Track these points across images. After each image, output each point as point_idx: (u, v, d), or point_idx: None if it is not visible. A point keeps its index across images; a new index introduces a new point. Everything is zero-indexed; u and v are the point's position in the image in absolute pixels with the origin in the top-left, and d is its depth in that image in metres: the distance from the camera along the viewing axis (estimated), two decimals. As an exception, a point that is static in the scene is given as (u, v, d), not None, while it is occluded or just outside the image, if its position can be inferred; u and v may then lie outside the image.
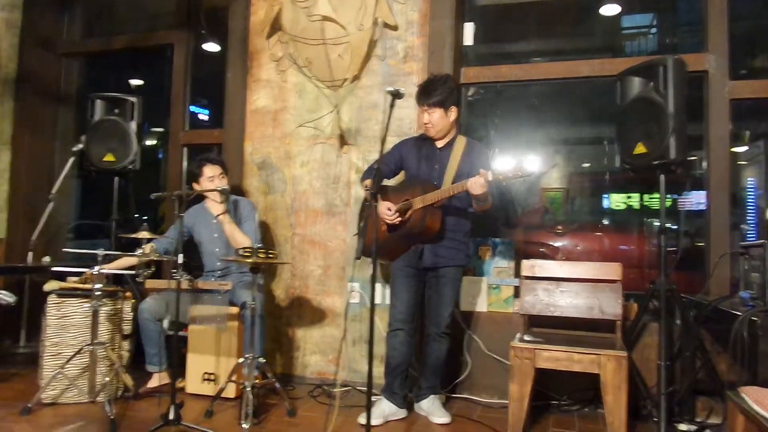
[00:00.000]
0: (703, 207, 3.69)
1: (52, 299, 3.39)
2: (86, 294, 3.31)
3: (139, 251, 3.24)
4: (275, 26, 4.18)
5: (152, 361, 3.60)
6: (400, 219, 3.13)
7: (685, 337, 3.13)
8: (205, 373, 3.54)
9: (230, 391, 3.39)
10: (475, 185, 2.90)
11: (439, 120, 3.21)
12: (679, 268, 3.34)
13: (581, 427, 3.17)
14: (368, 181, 3.17)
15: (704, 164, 3.63)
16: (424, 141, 3.34)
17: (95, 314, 3.22)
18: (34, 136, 5.06)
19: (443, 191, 3.07)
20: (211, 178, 3.68)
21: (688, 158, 3.03)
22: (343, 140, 4.03)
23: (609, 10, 4.24)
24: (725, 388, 2.40)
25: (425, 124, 3.24)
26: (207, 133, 4.78)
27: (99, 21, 5.40)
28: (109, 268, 3.30)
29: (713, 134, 3.54)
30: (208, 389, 3.49)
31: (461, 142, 3.27)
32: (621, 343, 3.04)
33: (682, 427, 3.05)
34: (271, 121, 4.22)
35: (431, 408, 3.26)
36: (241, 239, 3.52)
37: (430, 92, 3.19)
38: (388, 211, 3.12)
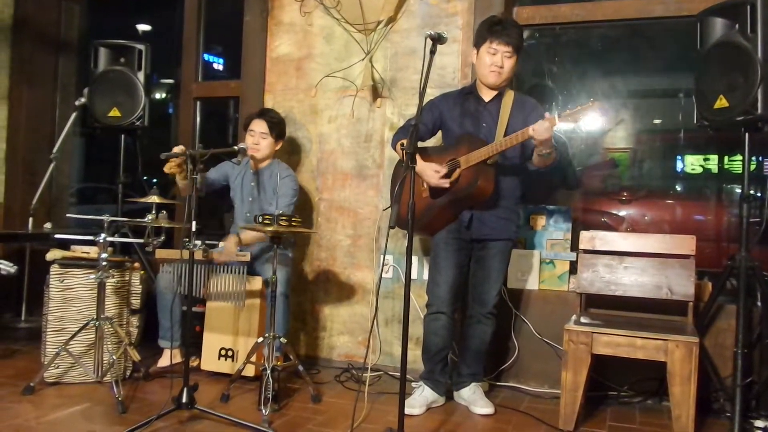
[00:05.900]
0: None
1: (54, 269, 3.47)
2: (92, 264, 3.37)
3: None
4: (299, -39, 4.15)
5: (165, 335, 3.65)
6: (448, 182, 3.11)
7: (767, 322, 3.08)
8: (222, 348, 3.62)
9: (249, 371, 3.43)
10: (540, 129, 2.82)
11: (511, 68, 3.16)
12: (762, 242, 3.28)
13: (643, 420, 3.17)
14: (405, 140, 3.11)
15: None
16: (467, 95, 3.30)
17: (101, 286, 3.29)
18: (33, 89, 5.14)
19: (498, 144, 3.00)
20: (252, 133, 3.71)
21: (779, 114, 2.94)
22: (376, 92, 4.00)
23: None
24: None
25: (496, 66, 3.12)
26: (222, 84, 4.80)
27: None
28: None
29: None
30: (225, 366, 3.58)
31: (510, 95, 3.23)
32: (692, 328, 3.01)
33: (759, 423, 3.00)
34: (295, 71, 4.22)
35: (472, 397, 3.28)
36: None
37: (510, 31, 3.11)
38: (435, 173, 3.07)
